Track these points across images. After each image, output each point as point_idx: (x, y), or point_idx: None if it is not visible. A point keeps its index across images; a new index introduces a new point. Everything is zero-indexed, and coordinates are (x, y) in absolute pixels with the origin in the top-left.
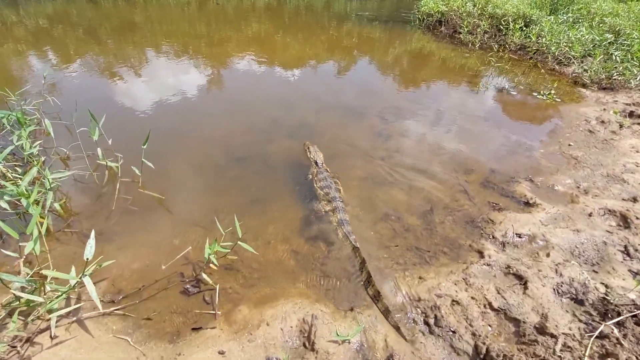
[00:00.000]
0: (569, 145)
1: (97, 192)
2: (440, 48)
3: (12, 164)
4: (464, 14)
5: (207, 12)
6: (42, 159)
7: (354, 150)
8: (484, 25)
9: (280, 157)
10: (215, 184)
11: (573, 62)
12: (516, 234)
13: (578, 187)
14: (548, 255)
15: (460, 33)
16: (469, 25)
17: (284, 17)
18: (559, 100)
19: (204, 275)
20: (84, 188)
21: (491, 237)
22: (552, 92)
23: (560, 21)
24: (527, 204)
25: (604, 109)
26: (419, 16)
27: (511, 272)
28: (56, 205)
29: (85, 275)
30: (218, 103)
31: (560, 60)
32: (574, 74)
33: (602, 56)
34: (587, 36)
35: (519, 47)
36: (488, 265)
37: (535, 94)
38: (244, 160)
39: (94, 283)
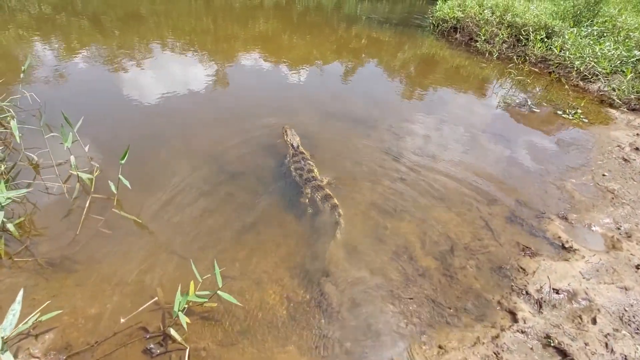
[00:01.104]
0: (603, 175)
1: (66, 208)
2: (455, 56)
3: None
4: (481, 22)
5: (214, 8)
6: (7, 164)
7: (360, 170)
8: (502, 34)
9: (278, 174)
10: (202, 203)
11: (599, 79)
12: (554, 289)
13: (619, 229)
14: (594, 321)
15: (476, 41)
16: (487, 34)
17: (293, 17)
18: (586, 120)
19: (173, 332)
20: (51, 202)
21: (524, 292)
22: (579, 111)
23: (584, 34)
24: (563, 248)
25: (638, 134)
26: (433, 21)
27: (552, 344)
28: (10, 227)
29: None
30: (214, 108)
31: (585, 76)
32: (600, 92)
33: (632, 74)
34: (613, 51)
35: (540, 59)
36: (523, 332)
37: (559, 112)
38: (236, 175)
39: (38, 334)
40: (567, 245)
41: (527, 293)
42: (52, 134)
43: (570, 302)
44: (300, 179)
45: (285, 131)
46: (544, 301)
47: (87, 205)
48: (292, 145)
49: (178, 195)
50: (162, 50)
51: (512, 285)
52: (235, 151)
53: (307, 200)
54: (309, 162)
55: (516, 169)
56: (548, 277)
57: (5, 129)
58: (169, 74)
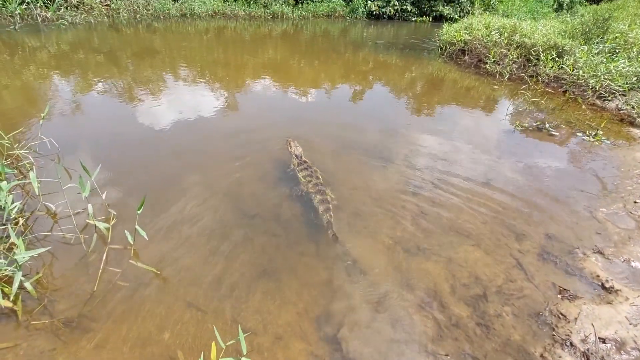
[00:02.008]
0: (635, 202)
1: (83, 260)
2: (465, 78)
3: None
4: (489, 43)
5: (225, 39)
6: (27, 215)
7: (380, 206)
8: (512, 55)
9: (296, 214)
10: (220, 249)
11: (616, 97)
12: (600, 338)
13: None
14: None
15: (485, 63)
16: (496, 55)
17: (301, 44)
18: (608, 142)
19: None
20: (68, 254)
21: (568, 343)
22: (599, 132)
23: (595, 51)
24: (604, 288)
25: None
26: (440, 45)
27: None
28: (28, 285)
29: None
30: (227, 144)
31: (601, 94)
32: (619, 110)
33: None
34: (628, 68)
35: (552, 78)
36: None
37: (579, 134)
38: (252, 217)
39: None
40: (607, 285)
41: (571, 344)
42: (70, 185)
43: (619, 352)
44: (308, 184)
45: (289, 143)
46: (591, 353)
47: (104, 257)
48: (296, 155)
49: (195, 241)
50: (176, 83)
51: (554, 335)
52: (251, 189)
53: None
54: (315, 169)
55: (541, 199)
56: (592, 324)
57: (24, 177)
58: (182, 107)
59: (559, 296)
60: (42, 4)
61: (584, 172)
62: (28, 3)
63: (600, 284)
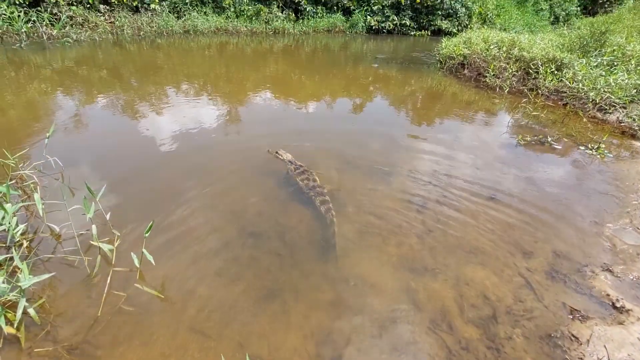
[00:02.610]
0: None
1: (87, 283)
2: (465, 92)
3: None
4: (488, 57)
5: (228, 54)
6: (30, 237)
7: (385, 224)
8: (511, 68)
9: (300, 233)
10: (225, 270)
11: (616, 109)
12: None
13: None
14: None
15: (485, 76)
16: (495, 69)
17: (302, 58)
18: (611, 156)
19: None
20: (71, 277)
21: None
22: (602, 145)
23: (594, 64)
24: (614, 308)
25: None
26: (440, 59)
27: None
28: (31, 311)
29: None
30: (230, 161)
31: (602, 106)
32: (620, 123)
33: None
34: (627, 81)
35: (552, 91)
36: None
37: (582, 147)
38: (258, 236)
39: None
40: (618, 305)
41: None
42: (75, 206)
43: None
44: (307, 187)
45: (277, 152)
46: None
47: (108, 281)
48: (289, 161)
49: (199, 263)
50: (179, 99)
51: (567, 359)
52: (256, 208)
53: (322, 210)
54: (311, 171)
55: (547, 215)
56: (605, 346)
57: (28, 197)
58: (185, 124)
59: (570, 317)
60: (47, 22)
61: (588, 186)
62: (34, 21)
63: (610, 303)
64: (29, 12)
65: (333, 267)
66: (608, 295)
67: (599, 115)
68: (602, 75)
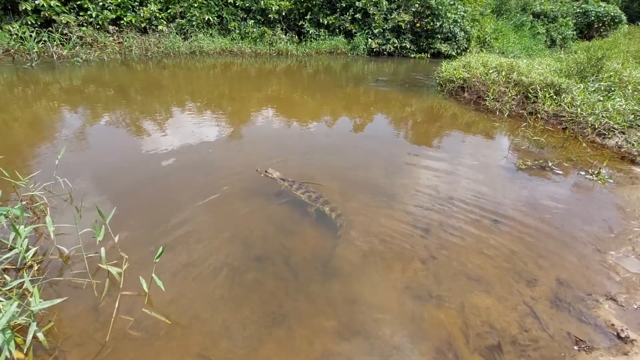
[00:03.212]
0: None
1: (95, 307)
2: (465, 115)
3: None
4: (488, 81)
5: (232, 74)
6: (40, 259)
7: (389, 249)
8: (510, 92)
9: (304, 256)
10: (230, 295)
11: (615, 134)
12: None
13: None
14: None
15: (485, 99)
16: (495, 93)
17: (304, 79)
18: (611, 181)
19: None
20: (79, 300)
21: None
22: (602, 171)
23: (591, 89)
24: (619, 338)
25: None
26: (440, 81)
27: None
28: (40, 336)
29: None
30: (233, 183)
31: (600, 131)
32: (619, 148)
33: None
34: (625, 106)
35: (551, 116)
36: None
37: (582, 173)
38: (262, 259)
39: None
40: (622, 335)
41: None
42: (86, 230)
43: None
44: (310, 199)
45: (266, 171)
46: None
47: (116, 305)
48: (281, 179)
49: (204, 287)
50: (186, 118)
51: None
52: (260, 232)
53: (333, 216)
54: (304, 183)
55: (549, 241)
56: None
57: (38, 218)
58: (191, 143)
59: (576, 347)
60: (58, 42)
61: (590, 212)
62: (45, 41)
63: (615, 333)
64: (41, 32)
65: (338, 293)
66: (612, 325)
67: (598, 140)
68: (600, 101)
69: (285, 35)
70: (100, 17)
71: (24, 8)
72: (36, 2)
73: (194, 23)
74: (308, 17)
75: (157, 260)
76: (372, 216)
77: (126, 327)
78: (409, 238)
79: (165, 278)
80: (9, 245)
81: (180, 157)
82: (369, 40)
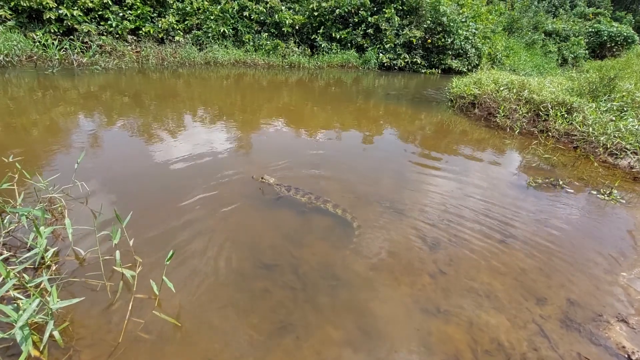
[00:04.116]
0: None
1: (109, 308)
2: (476, 131)
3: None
4: (498, 98)
5: (244, 85)
6: (58, 259)
7: (397, 263)
8: (521, 110)
9: (313, 267)
10: (238, 301)
11: (627, 155)
12: None
13: None
14: None
15: (495, 116)
16: (505, 110)
17: (315, 91)
18: (624, 201)
19: None
20: (93, 302)
21: None
22: (614, 191)
23: (603, 109)
24: None
25: None
26: (450, 97)
27: None
28: (56, 334)
29: None
30: (245, 193)
31: (612, 151)
32: (632, 169)
33: None
34: (637, 127)
35: (563, 134)
36: None
37: (594, 192)
38: (271, 268)
39: None
40: (633, 358)
41: None
42: (103, 232)
43: None
44: (310, 200)
45: (262, 177)
46: None
47: (129, 307)
48: (277, 184)
49: (214, 292)
50: (201, 126)
51: None
52: (269, 240)
53: (336, 211)
54: (300, 187)
55: (560, 260)
56: None
57: (56, 220)
58: (205, 151)
59: None
60: (79, 50)
61: (601, 232)
62: (66, 49)
63: (626, 355)
64: (63, 40)
65: (346, 304)
66: (623, 347)
67: (610, 159)
68: (612, 121)
69: (298, 48)
70: (120, 27)
71: (48, 17)
72: (60, 11)
73: (209, 35)
74: (321, 31)
75: (167, 262)
76: (381, 229)
77: (137, 329)
78: (418, 252)
79: (176, 282)
80: (28, 245)
81: (192, 164)
82: (380, 54)
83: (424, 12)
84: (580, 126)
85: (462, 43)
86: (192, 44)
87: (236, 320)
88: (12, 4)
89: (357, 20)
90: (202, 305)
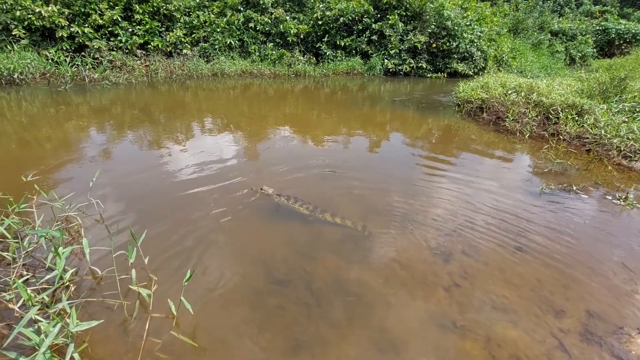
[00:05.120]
0: None
1: (125, 329)
2: (484, 135)
3: (38, 288)
4: (507, 102)
5: (250, 95)
6: (75, 279)
7: (411, 276)
8: (530, 113)
9: (326, 282)
10: (253, 320)
11: None
12: None
13: None
14: None
15: (504, 120)
16: (514, 114)
17: (321, 98)
18: None
19: None
20: (111, 321)
21: None
22: (630, 195)
23: (615, 110)
24: None
25: None
26: (457, 102)
27: None
28: (76, 356)
29: None
30: (255, 207)
31: (627, 154)
32: None
33: None
34: None
35: (574, 137)
36: None
37: (609, 197)
38: (284, 284)
39: None
40: None
41: None
42: (120, 252)
43: None
44: (309, 210)
45: (261, 188)
46: None
47: (147, 327)
48: (276, 195)
49: (227, 310)
50: (213, 139)
51: None
52: (282, 255)
53: (335, 220)
54: (298, 197)
55: (577, 270)
56: None
57: (72, 239)
58: (212, 161)
59: None
60: (90, 66)
61: (619, 239)
62: (78, 65)
63: None
64: (74, 57)
65: (361, 319)
66: None
67: (624, 162)
68: (625, 122)
69: (303, 57)
70: (129, 42)
71: (60, 35)
72: (71, 29)
73: (216, 47)
74: (325, 39)
75: (186, 283)
76: (392, 241)
77: (155, 349)
78: (431, 265)
79: (190, 299)
80: (47, 265)
81: (202, 177)
82: (385, 60)
83: (427, 17)
84: (592, 129)
85: (468, 46)
86: (200, 56)
87: (251, 339)
88: (26, 23)
89: (361, 27)
90: (217, 323)
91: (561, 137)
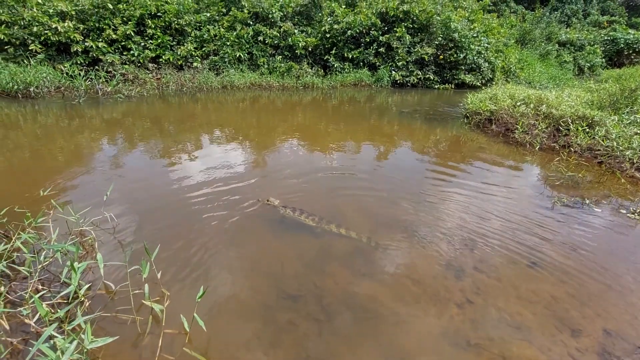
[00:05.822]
0: None
1: (138, 344)
2: (494, 148)
3: (53, 302)
4: (516, 114)
5: (259, 107)
6: (89, 294)
7: (423, 292)
8: (540, 125)
9: (337, 297)
10: (264, 335)
11: None
12: None
13: None
14: None
15: (513, 132)
16: (524, 126)
17: (329, 110)
18: None
19: None
20: (124, 336)
21: None
22: None
23: (626, 122)
24: None
25: None
26: (466, 113)
27: None
28: None
29: None
30: (265, 222)
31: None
32: None
33: None
34: None
35: (585, 149)
36: None
37: (623, 211)
38: (295, 299)
39: None
40: None
41: None
42: (134, 267)
43: None
44: (317, 222)
45: (268, 200)
46: None
47: (160, 343)
48: (282, 206)
49: (238, 325)
50: (216, 149)
51: None
52: (292, 270)
53: (340, 231)
54: (303, 209)
55: (593, 287)
56: None
57: (87, 253)
58: (222, 173)
59: None
60: (103, 79)
61: (635, 255)
62: (91, 79)
63: None
64: (88, 70)
65: (372, 336)
66: None
67: (637, 174)
68: (637, 134)
69: (311, 69)
70: (141, 56)
71: (75, 49)
72: (86, 43)
73: (226, 60)
74: (333, 51)
75: (199, 299)
76: (403, 255)
77: None
78: (443, 280)
79: (202, 314)
80: (62, 280)
81: (213, 190)
82: (393, 72)
83: (434, 29)
84: (603, 141)
85: (475, 58)
86: (210, 69)
87: (263, 354)
88: (43, 38)
89: (368, 40)
90: (229, 338)
91: (572, 149)
